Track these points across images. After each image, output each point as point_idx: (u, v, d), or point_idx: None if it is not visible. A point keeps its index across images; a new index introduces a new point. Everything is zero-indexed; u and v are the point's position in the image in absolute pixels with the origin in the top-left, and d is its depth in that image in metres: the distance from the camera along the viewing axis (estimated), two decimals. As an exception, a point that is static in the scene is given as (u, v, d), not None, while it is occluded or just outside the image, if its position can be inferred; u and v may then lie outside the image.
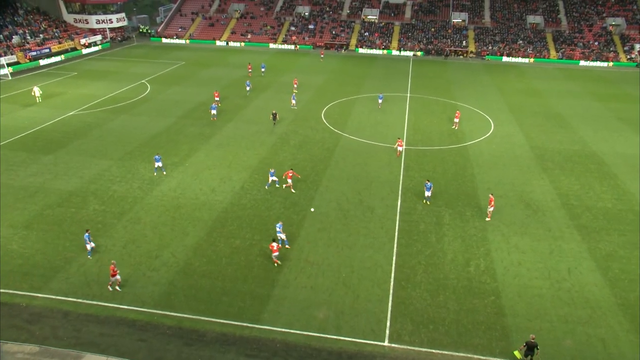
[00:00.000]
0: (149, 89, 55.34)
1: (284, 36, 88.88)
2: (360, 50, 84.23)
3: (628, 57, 76.94)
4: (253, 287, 22.95)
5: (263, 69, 62.65)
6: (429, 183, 29.52)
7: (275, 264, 24.06)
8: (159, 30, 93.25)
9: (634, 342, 20.30)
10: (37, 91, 50.40)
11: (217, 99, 48.21)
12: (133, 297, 22.20)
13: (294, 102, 48.49)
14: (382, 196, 30.68)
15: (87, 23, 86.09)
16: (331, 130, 42.29)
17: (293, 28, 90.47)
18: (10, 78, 60.26)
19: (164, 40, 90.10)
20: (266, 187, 31.19)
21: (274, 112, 41.58)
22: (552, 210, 29.46)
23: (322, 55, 75.58)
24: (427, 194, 29.46)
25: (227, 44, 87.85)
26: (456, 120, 44.65)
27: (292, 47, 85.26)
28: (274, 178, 31.05)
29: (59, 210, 28.44)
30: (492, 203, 28.11)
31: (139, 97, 52.24)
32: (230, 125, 43.46)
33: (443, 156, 37.16)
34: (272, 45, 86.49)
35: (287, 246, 25.24)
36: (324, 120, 44.99)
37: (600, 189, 32.24)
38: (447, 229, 27.32)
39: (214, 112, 44.22)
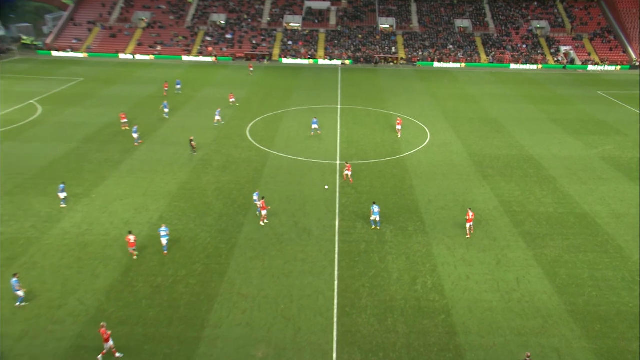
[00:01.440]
0: (40, 111, 52.30)
1: (199, 47, 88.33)
2: (285, 61, 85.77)
3: (555, 59, 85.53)
4: (180, 330, 22.21)
5: (178, 86, 61.28)
6: (376, 206, 29.25)
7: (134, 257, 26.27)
8: (47, 41, 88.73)
9: (586, 348, 22.03)
10: None
11: (124, 120, 46.60)
12: (30, 359, 20.55)
13: (218, 117, 48.47)
14: (319, 216, 31.11)
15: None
16: (258, 148, 42.44)
17: (209, 38, 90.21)
18: None
19: (54, 53, 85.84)
20: (257, 213, 30.82)
21: (190, 138, 40.96)
22: (496, 218, 31.49)
23: (251, 69, 75.47)
24: (375, 217, 29.28)
25: (134, 57, 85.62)
26: (398, 127, 46.58)
27: (210, 59, 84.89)
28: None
29: None
30: (471, 217, 28.89)
31: (28, 120, 49.21)
32: (143, 148, 42.30)
33: (380, 169, 38.45)
34: (185, 58, 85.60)
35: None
36: (250, 138, 45.11)
37: (540, 194, 35.03)
38: (390, 247, 28.17)
39: (135, 135, 42.69)
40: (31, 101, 55.47)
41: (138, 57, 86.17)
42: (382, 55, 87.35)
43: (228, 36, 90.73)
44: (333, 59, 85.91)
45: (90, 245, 27.72)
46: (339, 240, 28.66)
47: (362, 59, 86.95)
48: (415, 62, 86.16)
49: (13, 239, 27.95)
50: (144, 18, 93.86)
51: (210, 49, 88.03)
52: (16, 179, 35.57)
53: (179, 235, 28.84)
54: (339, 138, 45.47)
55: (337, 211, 31.79)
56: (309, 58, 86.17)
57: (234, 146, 42.85)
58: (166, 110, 51.14)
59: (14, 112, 51.26)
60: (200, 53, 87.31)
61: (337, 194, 34.01)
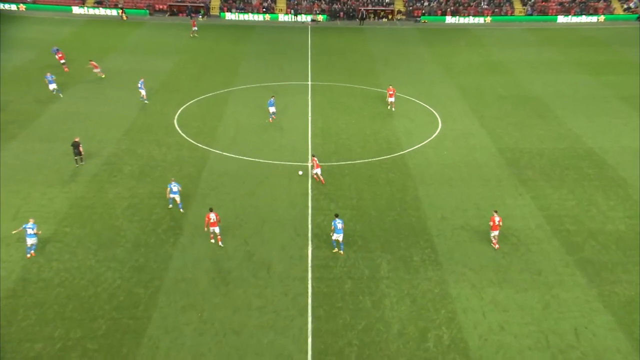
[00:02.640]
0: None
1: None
2: (229, 16, 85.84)
3: (625, 6, 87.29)
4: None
5: (56, 55, 59.73)
6: (338, 220, 30.01)
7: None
8: None
9: None
10: None
11: None
12: None
13: (143, 92, 49.50)
14: (283, 243, 30.97)
15: None
16: (191, 145, 42.21)
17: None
18: None
19: None
20: (169, 206, 33.55)
21: (76, 140, 39.22)
22: (541, 241, 31.74)
23: (194, 28, 74.80)
24: (337, 237, 29.97)
25: None
26: (390, 99, 48.44)
27: (115, 13, 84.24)
28: (175, 195, 33.56)
29: None
30: (497, 223, 30.25)
31: None
32: (13, 146, 41.33)
33: (371, 173, 38.54)
34: (77, 10, 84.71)
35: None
36: (179, 130, 44.84)
37: (606, 204, 35.53)
38: (387, 285, 28.10)
39: None
40: None
41: (4, 6, 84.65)
42: (370, 8, 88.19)
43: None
44: (299, 14, 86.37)
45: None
46: (313, 277, 28.47)
47: (341, 14, 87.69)
48: (419, 16, 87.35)
49: None
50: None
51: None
52: None
53: (71, 276, 28.14)
54: (310, 129, 45.48)
55: (310, 235, 31.58)
56: (264, 13, 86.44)
57: (156, 143, 42.46)
58: (53, 85, 50.69)
59: None
60: (99, 3, 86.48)
61: (310, 210, 33.88)
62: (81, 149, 38.73)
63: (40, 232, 30.27)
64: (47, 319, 25.72)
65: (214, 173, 38.26)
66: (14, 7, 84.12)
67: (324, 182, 36.81)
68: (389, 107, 49.55)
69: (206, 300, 26.98)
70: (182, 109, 49.08)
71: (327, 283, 28.21)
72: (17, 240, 30.65)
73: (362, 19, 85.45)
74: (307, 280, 28.33)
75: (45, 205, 34.02)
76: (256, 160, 39.99)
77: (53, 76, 51.49)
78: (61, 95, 50.68)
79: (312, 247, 30.75)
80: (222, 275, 28.64)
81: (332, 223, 30.35)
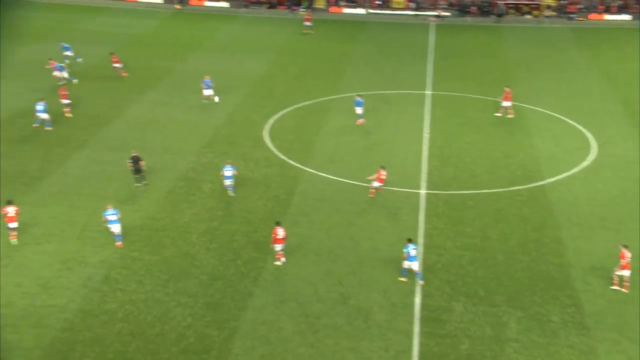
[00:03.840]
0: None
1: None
2: (335, 11, 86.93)
3: None
4: None
5: (68, 52, 61.52)
6: (412, 246, 30.71)
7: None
8: None
9: None
10: None
11: (65, 101, 49.25)
12: None
13: (209, 92, 51.37)
14: (385, 287, 30.80)
15: None
16: (282, 162, 42.84)
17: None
18: None
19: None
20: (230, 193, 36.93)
21: (134, 154, 40.05)
22: None
23: (307, 23, 76.13)
24: (410, 264, 30.64)
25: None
26: (505, 103, 48.94)
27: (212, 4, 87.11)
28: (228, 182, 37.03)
29: None
30: (626, 260, 30.01)
31: None
32: (82, 154, 43.34)
33: (499, 206, 37.94)
34: (159, 1, 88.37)
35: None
36: (269, 143, 45.69)
37: None
38: (515, 350, 27.34)
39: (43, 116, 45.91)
40: None
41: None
42: (510, 2, 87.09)
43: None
44: (422, 9, 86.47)
45: (-19, 323, 28.26)
46: (421, 332, 28.15)
47: (473, 9, 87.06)
48: (573, 13, 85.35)
49: None
50: None
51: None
52: None
53: (137, 310, 29.11)
54: (425, 148, 45.26)
55: (419, 279, 31.49)
56: (378, 7, 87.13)
57: (242, 157, 43.36)
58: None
59: None
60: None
61: (420, 248, 33.71)
62: (142, 164, 39.32)
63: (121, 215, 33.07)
64: (106, 359, 26.71)
65: (306, 196, 38.60)
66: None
67: (372, 194, 37.86)
68: (501, 114, 49.88)
69: (289, 350, 27.09)
70: (274, 118, 50.06)
71: (437, 340, 27.80)
72: (79, 264, 32.02)
73: (500, 15, 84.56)
74: (413, 334, 28.03)
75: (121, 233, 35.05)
76: (358, 183, 40.03)
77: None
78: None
79: (421, 294, 30.45)
80: (309, 320, 28.75)
81: (404, 249, 30.53)
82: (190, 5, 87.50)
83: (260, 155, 43.90)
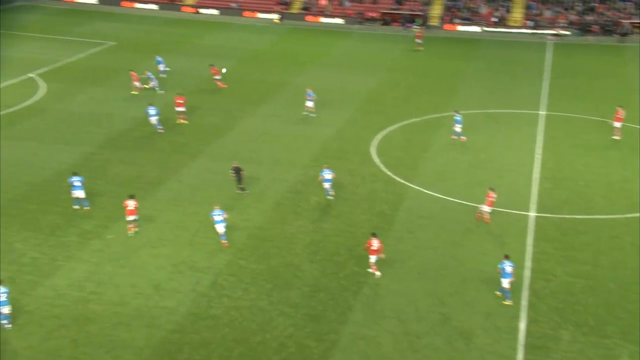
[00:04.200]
0: (42, 90, 57.55)
1: (304, 0, 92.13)
2: (449, 28, 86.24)
3: None
4: None
5: (162, 66, 63.31)
6: (508, 263, 30.52)
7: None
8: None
9: None
10: None
11: (181, 109, 51.16)
12: None
13: (310, 104, 52.05)
14: (489, 310, 30.28)
15: None
16: (389, 178, 42.76)
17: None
18: None
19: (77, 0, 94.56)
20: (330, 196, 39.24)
21: (235, 165, 41.26)
22: None
23: (418, 40, 75.82)
24: (505, 282, 30.44)
25: (197, 11, 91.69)
26: (616, 124, 47.79)
27: (327, 19, 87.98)
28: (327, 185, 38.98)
29: None
30: None
31: (24, 104, 54.36)
32: (198, 162, 44.53)
33: (615, 233, 36.73)
34: (269, 16, 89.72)
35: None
36: (376, 159, 45.68)
37: None
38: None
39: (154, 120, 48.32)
40: (31, 74, 61.27)
41: (204, 11, 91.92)
42: (636, 22, 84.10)
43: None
44: (540, 27, 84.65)
45: (95, 321, 29.07)
46: (525, 359, 27.46)
47: (594, 27, 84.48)
48: None
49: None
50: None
51: (323, 2, 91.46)
52: (-7, 198, 39.05)
53: (241, 317, 29.52)
54: (537, 169, 44.28)
55: (525, 303, 30.67)
56: (494, 24, 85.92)
57: (348, 171, 43.55)
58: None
59: (5, 90, 56.88)
60: (306, 9, 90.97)
61: (528, 272, 33.00)
62: (243, 174, 40.52)
63: (227, 216, 34.67)
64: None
65: (412, 213, 38.36)
66: (215, 12, 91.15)
67: (479, 218, 37.43)
68: (618, 137, 48.94)
69: (388, 368, 26.94)
70: (382, 134, 49.98)
71: (543, 368, 27.03)
72: (189, 269, 32.87)
73: (624, 34, 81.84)
74: (517, 361, 27.41)
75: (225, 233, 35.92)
76: (465, 203, 39.57)
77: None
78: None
79: (526, 319, 29.66)
80: (409, 338, 28.44)
81: (500, 265, 30.42)
82: (307, 21, 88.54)
83: (367, 170, 43.90)
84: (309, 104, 52.97)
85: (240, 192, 40.36)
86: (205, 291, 31.18)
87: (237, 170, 40.32)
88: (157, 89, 57.93)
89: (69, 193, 38.61)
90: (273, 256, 34.04)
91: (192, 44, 76.33)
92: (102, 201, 39.09)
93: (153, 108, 48.99)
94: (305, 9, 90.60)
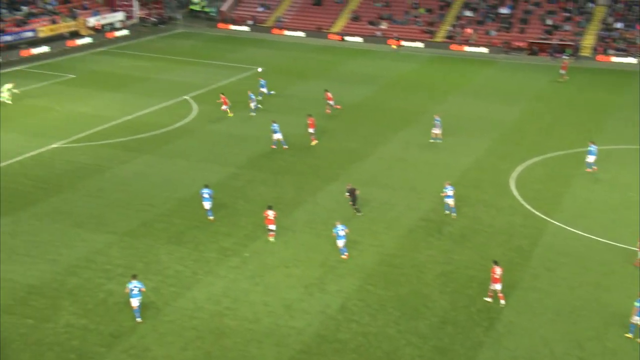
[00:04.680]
0: (194, 112, 60.11)
1: (448, 28, 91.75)
2: (602, 59, 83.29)
3: None
4: None
5: (263, 89, 63.89)
6: None
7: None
8: (223, 9, 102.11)
9: None
10: (7, 92, 60.19)
11: (313, 130, 52.29)
12: None
13: (437, 130, 52.28)
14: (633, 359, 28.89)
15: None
16: (527, 212, 41.78)
17: (468, 13, 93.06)
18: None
19: (231, 27, 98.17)
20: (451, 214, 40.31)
21: (349, 187, 41.81)
22: None
23: (562, 71, 73.75)
24: (638, 320, 28.99)
25: (343, 38, 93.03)
26: None
27: (472, 48, 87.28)
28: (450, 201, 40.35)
29: (6, 320, 30.66)
30: None
31: (177, 124, 56.99)
32: (334, 186, 45.13)
33: None
34: (416, 45, 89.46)
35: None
36: (514, 191, 44.77)
37: None
38: None
39: (277, 136, 50.90)
40: (185, 97, 64.06)
41: (350, 39, 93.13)
42: None
43: (504, 11, 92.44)
44: None
45: (229, 335, 29.83)
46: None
47: None
48: None
49: (123, 305, 31.67)
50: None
51: (469, 31, 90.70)
52: (146, 212, 40.97)
53: (367, 343, 29.39)
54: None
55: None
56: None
57: (484, 203, 42.93)
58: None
59: (161, 112, 59.83)
60: (450, 37, 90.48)
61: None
62: (357, 193, 41.06)
63: (348, 231, 36.04)
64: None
65: (551, 250, 37.22)
66: (360, 40, 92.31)
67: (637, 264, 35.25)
68: None
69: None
70: (522, 166, 48.84)
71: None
72: (319, 291, 33.19)
73: None
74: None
75: (353, 256, 36.17)
76: (610, 243, 37.98)
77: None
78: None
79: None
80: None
81: (636, 302, 29.13)
82: (451, 50, 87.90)
83: (504, 202, 43.00)
84: (436, 130, 52.81)
85: (359, 214, 40.78)
86: (333, 314, 31.33)
87: (352, 192, 40.84)
88: (253, 108, 59.63)
89: (212, 210, 40.47)
90: (402, 284, 33.84)
91: (336, 70, 77.46)
92: (242, 220, 40.22)
93: (276, 125, 50.84)
94: (449, 37, 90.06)
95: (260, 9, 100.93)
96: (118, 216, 40.49)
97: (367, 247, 37.24)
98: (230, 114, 58.86)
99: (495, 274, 31.71)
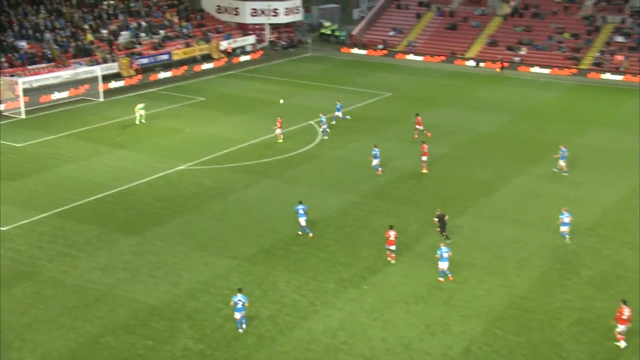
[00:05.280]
0: (319, 137, 60.62)
1: (595, 55, 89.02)
2: None
3: None
4: None
5: (338, 113, 63.83)
6: None
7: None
8: (354, 32, 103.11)
9: None
10: (138, 112, 63.26)
11: (424, 158, 51.65)
12: None
13: (562, 163, 51.36)
14: None
15: (237, 14, 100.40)
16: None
17: (620, 39, 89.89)
18: (101, 99, 72.82)
19: (354, 50, 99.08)
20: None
21: (438, 212, 41.33)
22: None
23: None
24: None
25: (478, 64, 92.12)
26: None
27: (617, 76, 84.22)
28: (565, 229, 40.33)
29: (126, 340, 31.51)
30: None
31: (302, 149, 57.68)
32: (462, 220, 44.13)
33: None
34: (559, 74, 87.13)
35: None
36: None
37: None
38: None
39: (375, 162, 50.75)
40: (311, 121, 64.84)
41: (484, 65, 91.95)
42: None
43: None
44: None
45: (344, 374, 29.73)
46: None
47: None
48: None
49: (237, 333, 32.06)
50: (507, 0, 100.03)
51: (619, 58, 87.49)
52: (266, 238, 41.47)
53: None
54: None
55: None
56: None
57: (630, 246, 40.99)
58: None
59: (287, 135, 60.57)
60: (597, 64, 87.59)
61: None
62: (446, 219, 40.90)
63: (451, 254, 36.38)
64: None
65: None
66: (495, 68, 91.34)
67: None
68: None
69: None
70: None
71: None
72: (442, 331, 32.27)
73: None
74: None
75: (480, 296, 35.18)
76: None
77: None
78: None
79: None
80: None
81: None
82: (588, 77, 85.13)
83: (651, 249, 40.84)
84: (562, 162, 51.29)
85: (448, 240, 40.27)
86: (456, 357, 30.40)
87: (441, 218, 40.69)
88: (325, 131, 60.00)
89: (331, 239, 40.83)
90: (534, 330, 32.47)
91: (468, 97, 76.64)
92: (363, 251, 39.88)
93: (377, 150, 51.02)
94: (597, 64, 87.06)
95: (392, 33, 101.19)
96: (239, 240, 41.15)
97: (496, 287, 36.13)
98: (280, 140, 59.24)
99: (622, 314, 30.36)
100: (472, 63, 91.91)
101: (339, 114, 64.47)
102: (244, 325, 31.72)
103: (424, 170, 52.02)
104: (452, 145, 58.33)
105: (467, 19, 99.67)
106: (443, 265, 36.13)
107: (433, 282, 36.60)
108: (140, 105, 63.53)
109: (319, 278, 36.76)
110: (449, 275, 36.20)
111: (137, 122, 63.14)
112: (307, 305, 34.33)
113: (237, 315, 31.53)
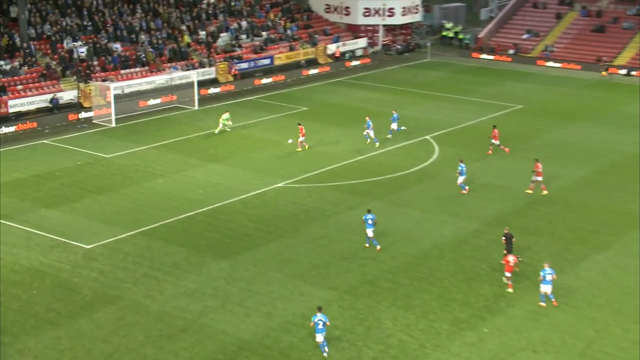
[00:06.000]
0: (435, 154, 60.45)
1: None
2: None
3: None
4: None
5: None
6: None
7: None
8: (480, 35, 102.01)
9: None
10: (222, 122, 64.74)
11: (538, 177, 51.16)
12: None
13: None
14: None
15: (348, 14, 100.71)
16: None
17: None
18: (196, 107, 74.70)
19: (482, 56, 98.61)
20: None
21: (506, 231, 41.22)
22: None
23: None
24: None
25: (629, 73, 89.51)
26: None
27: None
28: None
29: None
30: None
31: (415, 167, 57.45)
32: (604, 256, 42.93)
33: None
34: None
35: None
36: None
37: None
38: None
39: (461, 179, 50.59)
40: (427, 136, 64.69)
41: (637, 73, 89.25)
42: None
43: None
44: None
45: None
46: None
47: None
48: None
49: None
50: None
51: None
52: (370, 267, 41.26)
53: None
54: None
55: None
56: None
57: None
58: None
59: (398, 152, 60.67)
60: None
61: None
62: (514, 240, 41.07)
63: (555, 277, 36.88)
64: None
65: None
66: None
67: None
68: None
69: None
70: None
71: None
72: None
73: None
74: None
75: (625, 349, 33.50)
76: None
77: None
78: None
79: None
80: None
81: None
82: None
83: None
84: None
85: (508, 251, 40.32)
86: None
87: (509, 237, 41.12)
88: (366, 136, 61.39)
89: (445, 272, 40.59)
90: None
91: (615, 111, 74.92)
92: (483, 288, 39.18)
93: (463, 165, 51.21)
94: None
95: (525, 36, 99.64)
96: (340, 269, 41.13)
97: (613, 340, 34.48)
98: (299, 149, 59.67)
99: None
100: (622, 71, 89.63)
101: (394, 125, 64.13)
102: (326, 348, 32.14)
103: (544, 192, 51.39)
104: (593, 168, 57.26)
105: (618, 19, 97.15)
106: (546, 288, 36.54)
107: (567, 328, 35.39)
108: (226, 116, 64.81)
109: (430, 317, 36.27)
110: (553, 299, 36.50)
111: (217, 131, 64.62)
112: (417, 347, 33.87)
113: (319, 338, 32.03)
